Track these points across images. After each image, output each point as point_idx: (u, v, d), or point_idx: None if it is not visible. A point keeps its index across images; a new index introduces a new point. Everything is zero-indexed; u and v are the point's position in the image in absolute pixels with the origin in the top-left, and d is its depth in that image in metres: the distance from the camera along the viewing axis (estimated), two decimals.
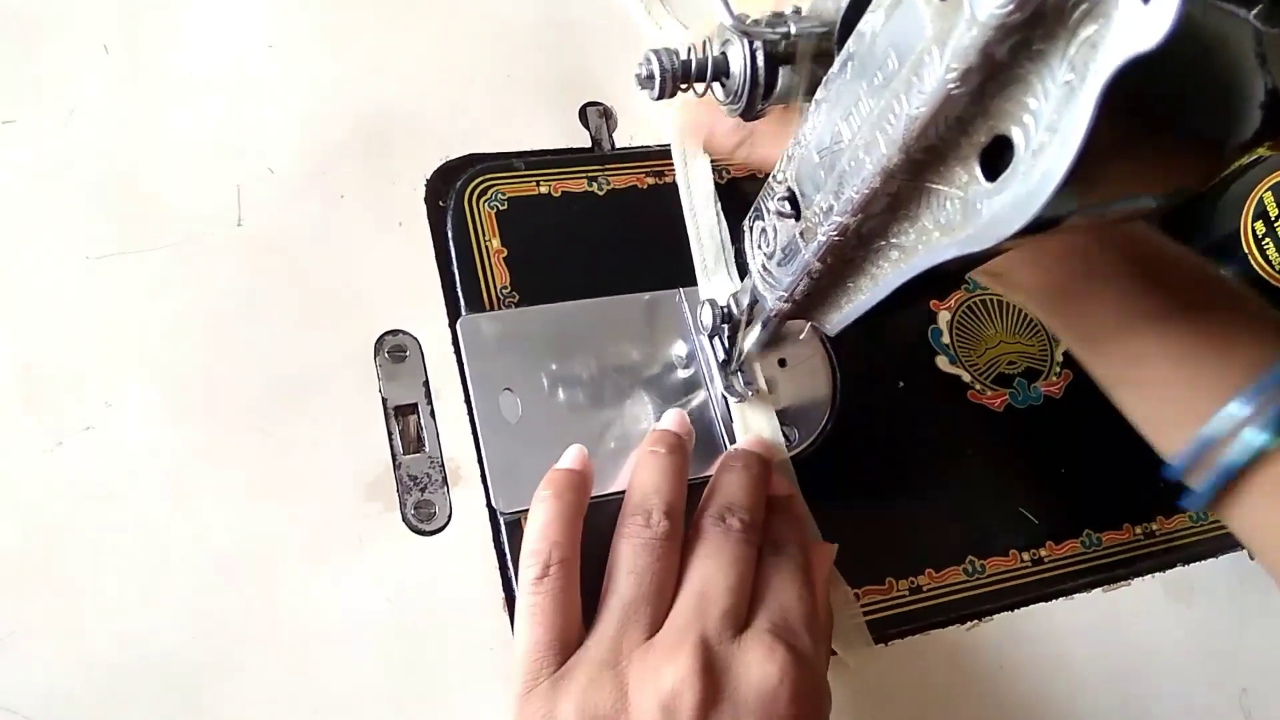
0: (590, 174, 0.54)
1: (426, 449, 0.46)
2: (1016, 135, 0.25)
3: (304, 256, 0.48)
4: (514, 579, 0.44)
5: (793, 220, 0.35)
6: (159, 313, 0.45)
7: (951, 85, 0.25)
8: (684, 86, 0.34)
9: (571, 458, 0.43)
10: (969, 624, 0.49)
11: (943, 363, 0.54)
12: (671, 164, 0.54)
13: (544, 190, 0.53)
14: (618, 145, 0.56)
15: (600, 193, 0.54)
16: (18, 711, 0.38)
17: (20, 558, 0.40)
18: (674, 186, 0.54)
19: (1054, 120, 0.23)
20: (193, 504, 0.42)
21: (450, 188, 0.51)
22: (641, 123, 0.57)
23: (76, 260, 0.45)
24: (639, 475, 0.43)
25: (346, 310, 0.47)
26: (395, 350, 0.47)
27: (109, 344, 0.44)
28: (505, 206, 0.51)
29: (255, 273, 0.47)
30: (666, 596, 0.39)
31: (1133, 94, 0.22)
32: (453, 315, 0.49)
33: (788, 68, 0.33)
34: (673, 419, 0.46)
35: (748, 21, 0.32)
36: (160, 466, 0.42)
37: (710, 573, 0.39)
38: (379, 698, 0.41)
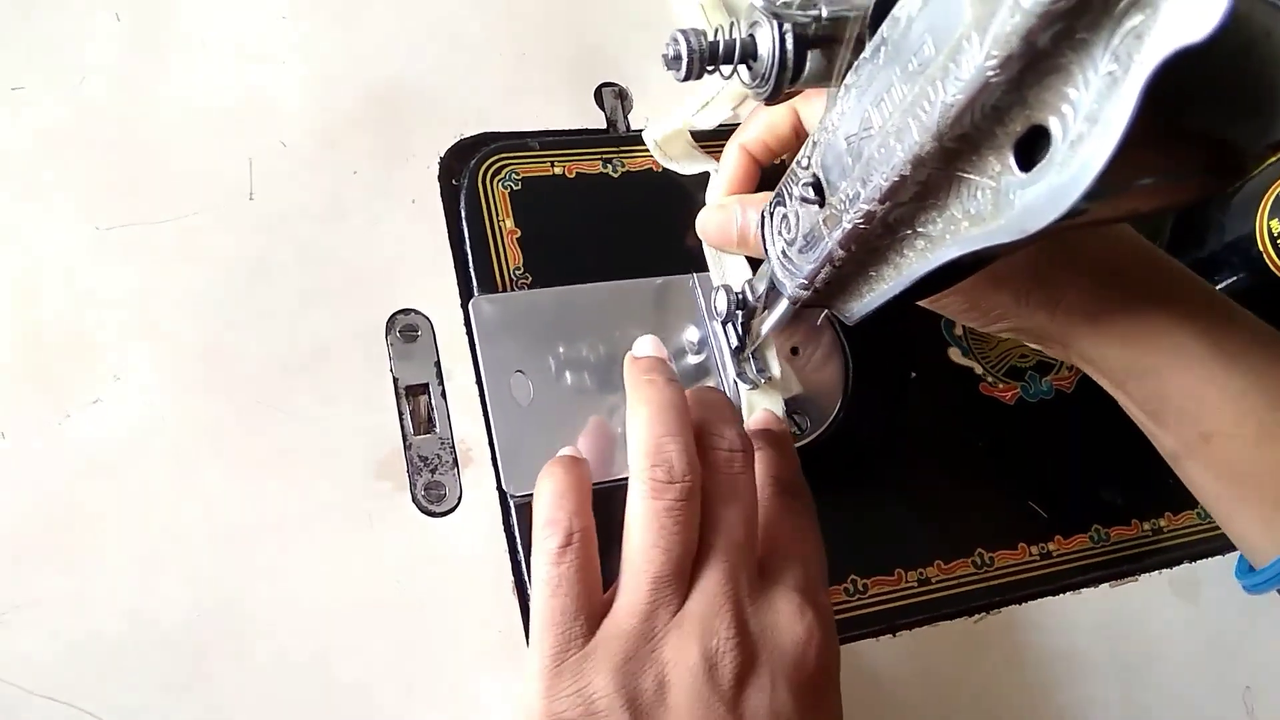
0: (605, 156, 0.53)
1: (437, 430, 0.46)
2: (1054, 125, 0.24)
3: (316, 232, 0.47)
4: (524, 561, 0.44)
5: (816, 207, 0.34)
6: (169, 285, 0.45)
7: (991, 73, 0.24)
8: (710, 68, 0.34)
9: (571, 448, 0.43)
10: (977, 616, 0.49)
11: (955, 354, 0.54)
12: None
13: (558, 171, 0.52)
14: (633, 127, 0.55)
15: (614, 175, 0.53)
16: (21, 686, 0.37)
17: (27, 531, 0.40)
18: None
19: (1094, 111, 0.23)
20: (200, 479, 0.42)
21: (464, 166, 0.51)
22: (657, 105, 0.56)
23: (86, 231, 0.45)
24: (646, 412, 0.39)
25: (358, 287, 0.47)
26: (407, 329, 0.47)
27: (118, 316, 0.44)
28: (519, 187, 0.51)
29: (267, 247, 0.46)
30: (692, 556, 0.37)
31: (1174, 86, 0.21)
32: (465, 295, 0.48)
33: (816, 51, 0.33)
34: (650, 344, 0.44)
35: (778, 3, 0.32)
36: (168, 441, 0.42)
37: (732, 523, 0.37)
38: (386, 678, 0.41)
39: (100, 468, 0.41)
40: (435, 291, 0.48)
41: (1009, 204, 0.26)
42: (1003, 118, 0.26)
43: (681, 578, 0.36)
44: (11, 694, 0.37)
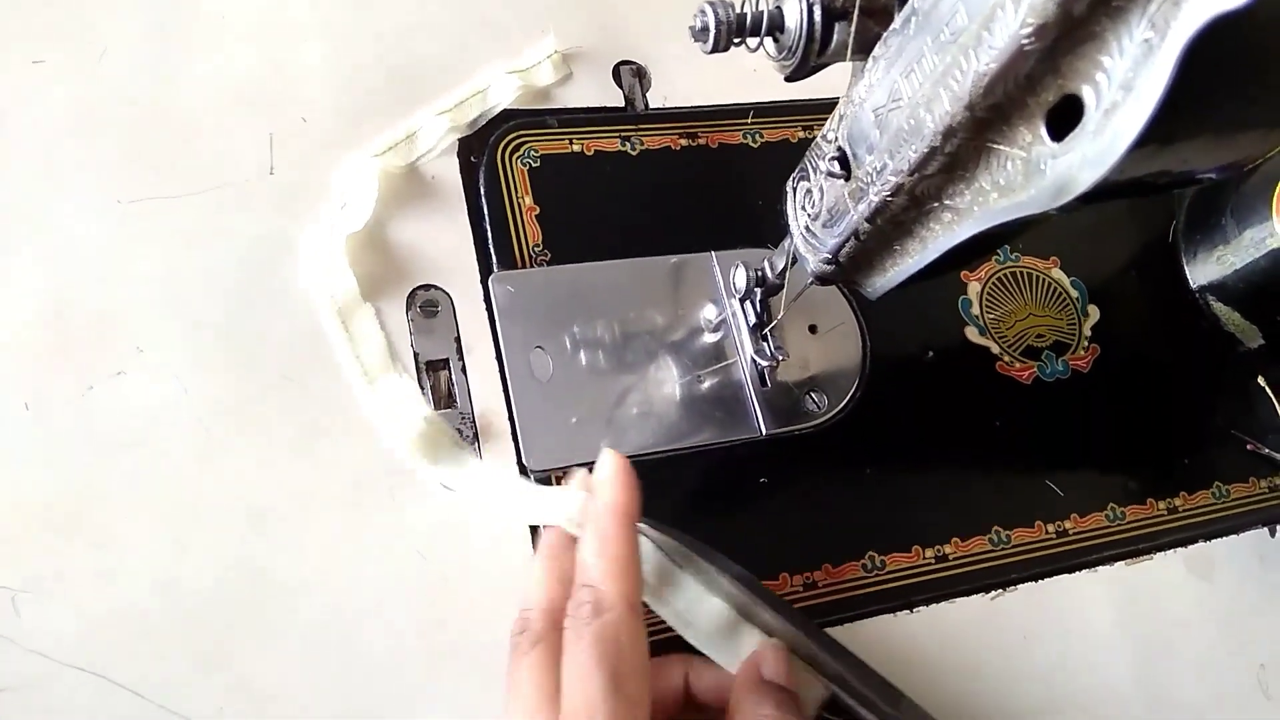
0: (623, 133, 0.53)
1: (458, 405, 0.46)
2: (1088, 94, 0.24)
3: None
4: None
5: (842, 180, 0.34)
6: (191, 259, 0.45)
7: (1025, 41, 0.24)
8: (737, 40, 0.34)
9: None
10: (994, 593, 0.49)
11: (972, 334, 0.54)
12: (706, 125, 0.54)
13: (577, 149, 0.52)
14: (651, 105, 0.55)
15: (633, 153, 0.53)
16: (52, 657, 0.38)
17: (52, 503, 0.40)
18: (706, 148, 0.54)
19: (1129, 79, 0.23)
20: (223, 452, 0.42)
21: (484, 144, 0.51)
22: (675, 83, 0.56)
23: (108, 204, 0.45)
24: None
25: (379, 263, 0.47)
26: (427, 305, 0.47)
27: (141, 289, 0.44)
28: (538, 164, 0.51)
29: (287, 222, 0.46)
30: (555, 696, 0.35)
31: (1211, 54, 0.21)
32: (485, 272, 0.48)
33: (843, 23, 0.33)
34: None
35: None
36: (192, 413, 0.42)
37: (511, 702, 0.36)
38: (409, 651, 0.41)
39: (125, 440, 0.41)
40: (455, 268, 0.48)
41: (1040, 174, 0.27)
42: (1035, 87, 0.26)
43: (544, 713, 0.35)
44: (42, 665, 0.37)
